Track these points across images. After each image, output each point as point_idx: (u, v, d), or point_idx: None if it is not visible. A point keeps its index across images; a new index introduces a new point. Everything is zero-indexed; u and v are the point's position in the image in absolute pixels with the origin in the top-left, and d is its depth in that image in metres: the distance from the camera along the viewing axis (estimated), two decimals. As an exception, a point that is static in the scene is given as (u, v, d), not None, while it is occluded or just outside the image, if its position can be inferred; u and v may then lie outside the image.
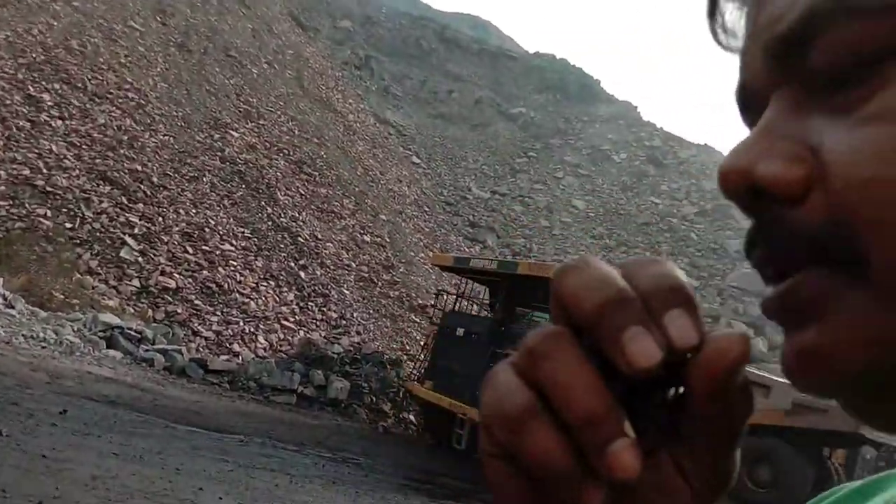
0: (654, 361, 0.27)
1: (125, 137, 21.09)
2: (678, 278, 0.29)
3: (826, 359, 0.31)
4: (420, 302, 23.65)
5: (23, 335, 11.40)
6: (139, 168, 20.07)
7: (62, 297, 14.93)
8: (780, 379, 11.70)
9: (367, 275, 23.43)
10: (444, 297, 13.05)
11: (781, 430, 10.95)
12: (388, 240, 26.51)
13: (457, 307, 12.63)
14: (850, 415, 0.33)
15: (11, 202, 16.70)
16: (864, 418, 0.33)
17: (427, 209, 30.20)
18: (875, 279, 0.29)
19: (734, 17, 0.39)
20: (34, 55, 21.67)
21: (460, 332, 11.29)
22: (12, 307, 12.62)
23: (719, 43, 0.40)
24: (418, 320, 22.73)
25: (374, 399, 13.02)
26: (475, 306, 12.94)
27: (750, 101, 0.36)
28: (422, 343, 13.60)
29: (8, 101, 19.44)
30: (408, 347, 20.24)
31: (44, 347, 11.11)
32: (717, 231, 31.81)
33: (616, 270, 0.30)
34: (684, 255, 29.83)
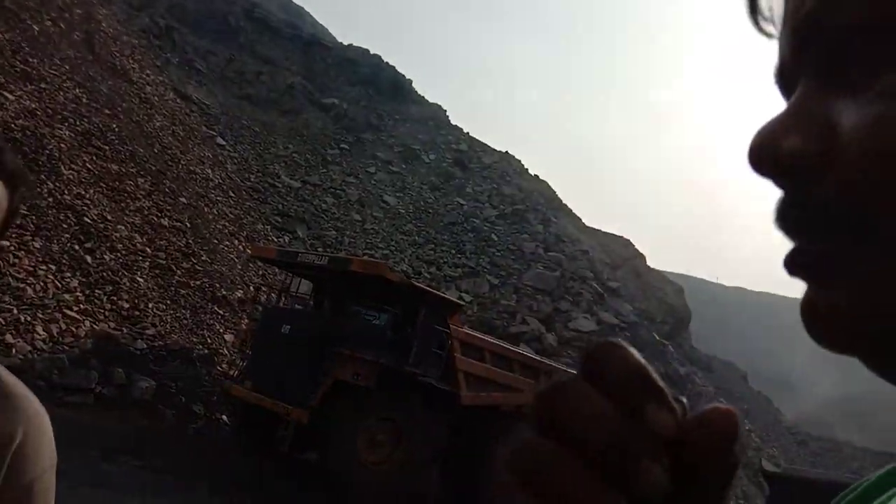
0: (664, 486, 0.29)
1: None
2: (645, 368, 0.31)
3: (839, 319, 0.35)
4: (224, 293, 22.41)
5: None
6: None
7: None
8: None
9: (164, 262, 21.68)
10: (264, 292, 12.50)
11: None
12: (188, 225, 24.76)
13: (280, 303, 12.16)
14: (870, 370, 0.37)
15: None
16: (882, 375, 0.36)
17: (233, 194, 28.69)
18: (886, 247, 0.32)
19: (772, 2, 0.40)
20: None
21: (285, 329, 10.88)
22: None
23: (760, 30, 0.41)
24: (222, 312, 21.51)
25: (183, 399, 12.12)
26: (296, 303, 12.56)
27: (785, 84, 0.38)
28: (237, 340, 12.89)
29: None
30: (210, 342, 19.06)
31: None
32: (514, 234, 33.88)
33: (584, 375, 0.31)
34: (486, 254, 31.41)
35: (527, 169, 42.69)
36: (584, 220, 42.24)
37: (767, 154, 0.36)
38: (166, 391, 12.06)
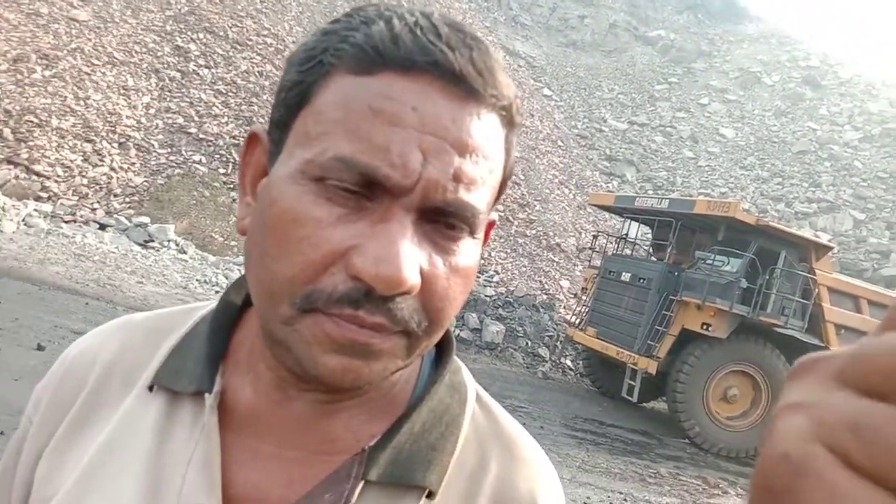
0: None
1: (267, 83, 21.52)
2: None
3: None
4: (557, 241, 23.05)
5: (196, 280, 11.95)
6: (282, 113, 20.45)
7: (221, 239, 15.60)
8: None
9: (502, 213, 23.01)
10: (604, 238, 12.40)
11: None
12: (521, 177, 25.84)
13: (617, 249, 11.95)
14: None
15: (170, 150, 17.50)
16: None
17: (561, 143, 29.12)
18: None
19: None
20: (179, 6, 22.34)
21: (626, 276, 10.65)
22: (184, 252, 13.27)
23: None
24: (557, 259, 22.19)
25: (529, 343, 12.76)
26: (636, 249, 12.20)
27: None
28: (581, 287, 13.07)
29: (160, 53, 20.22)
30: (547, 288, 19.81)
31: (217, 292, 11.59)
32: (884, 158, 28.62)
33: None
34: (847, 185, 27.14)
35: (900, 79, 35.50)
36: None
37: None
38: (514, 335, 12.82)
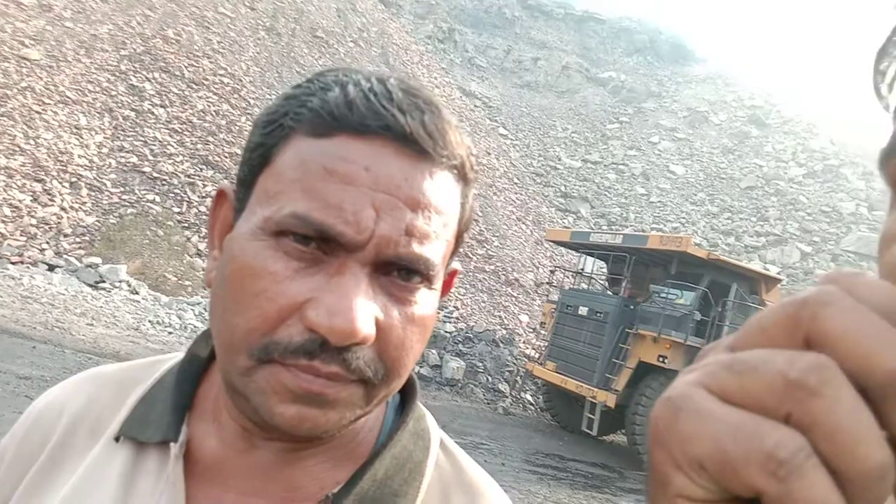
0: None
1: (223, 122, 21.44)
2: None
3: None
4: (516, 276, 23.25)
5: (149, 321, 11.67)
6: (238, 152, 20.36)
7: (175, 279, 15.29)
8: None
9: (461, 249, 23.07)
10: (561, 273, 12.56)
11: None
12: (479, 213, 26.12)
13: (574, 284, 12.11)
14: None
15: (122, 189, 17.21)
16: None
17: (517, 181, 29.60)
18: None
19: None
20: (134, 46, 22.21)
21: (583, 311, 10.79)
22: (137, 293, 12.97)
23: (880, 96, 0.37)
24: (515, 294, 22.36)
25: (489, 378, 12.74)
26: (592, 283, 12.38)
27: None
28: (539, 321, 13.17)
29: (113, 92, 20.01)
30: (506, 323, 19.90)
31: (170, 333, 11.33)
32: (828, 193, 29.82)
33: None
34: (793, 219, 28.11)
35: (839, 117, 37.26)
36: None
37: None
38: (474, 371, 12.80)
